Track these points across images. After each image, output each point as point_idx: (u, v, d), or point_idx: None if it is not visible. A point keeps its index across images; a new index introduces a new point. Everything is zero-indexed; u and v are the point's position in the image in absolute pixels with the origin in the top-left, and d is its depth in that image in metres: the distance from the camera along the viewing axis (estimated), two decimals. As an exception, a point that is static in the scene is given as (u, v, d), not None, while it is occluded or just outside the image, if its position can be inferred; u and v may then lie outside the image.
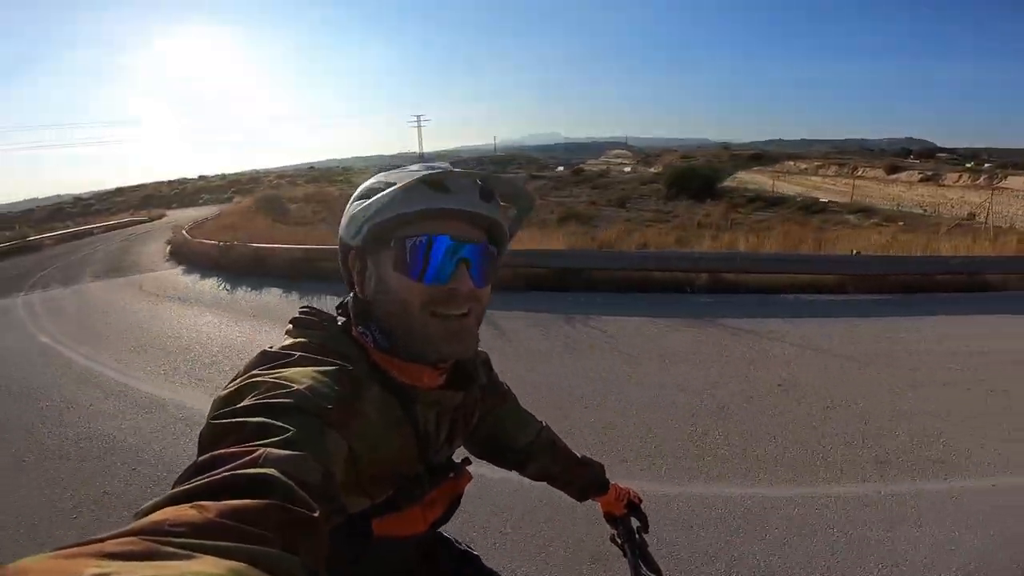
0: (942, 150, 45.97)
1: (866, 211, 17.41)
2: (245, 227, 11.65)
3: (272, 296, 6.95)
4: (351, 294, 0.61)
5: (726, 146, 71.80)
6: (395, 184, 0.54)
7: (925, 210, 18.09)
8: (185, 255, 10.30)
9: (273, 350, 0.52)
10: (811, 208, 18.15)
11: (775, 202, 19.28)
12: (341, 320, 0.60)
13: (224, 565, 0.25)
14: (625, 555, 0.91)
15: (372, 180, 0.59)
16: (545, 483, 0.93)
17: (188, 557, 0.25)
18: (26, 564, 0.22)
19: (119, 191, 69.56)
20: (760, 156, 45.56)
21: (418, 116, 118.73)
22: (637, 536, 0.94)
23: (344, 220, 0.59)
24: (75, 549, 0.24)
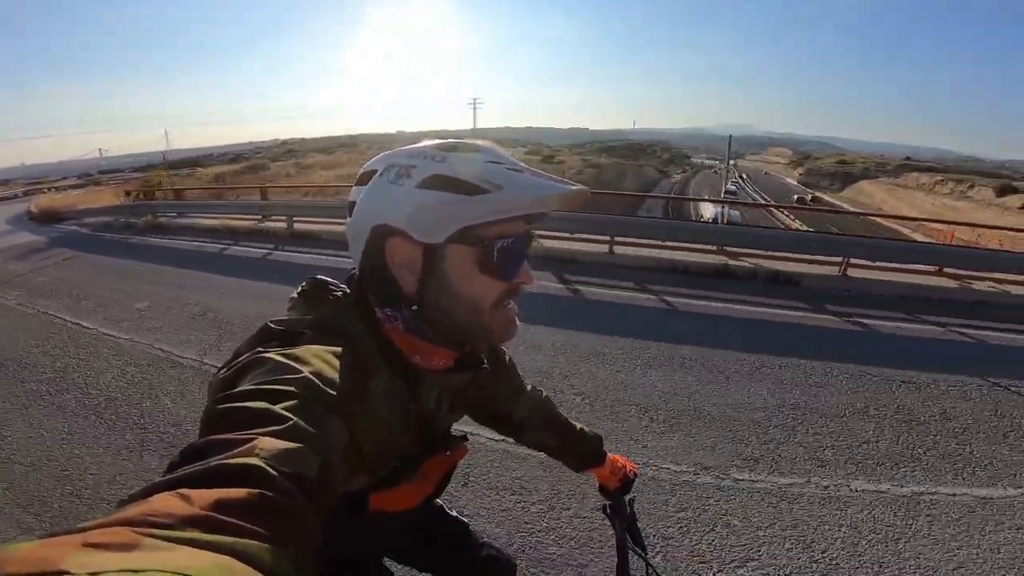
0: None
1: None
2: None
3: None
4: (357, 272, 0.55)
5: (908, 158, 72.62)
6: (499, 184, 0.48)
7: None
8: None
9: (278, 326, 0.50)
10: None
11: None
12: (350, 295, 0.55)
13: (206, 558, 0.25)
14: (614, 527, 0.90)
15: (456, 170, 0.49)
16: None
17: (170, 549, 0.24)
18: (8, 552, 0.22)
19: (283, 143, 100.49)
20: (931, 169, 49.98)
21: (474, 99, 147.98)
22: (628, 510, 0.93)
23: (412, 209, 0.48)
24: (59, 539, 0.24)
